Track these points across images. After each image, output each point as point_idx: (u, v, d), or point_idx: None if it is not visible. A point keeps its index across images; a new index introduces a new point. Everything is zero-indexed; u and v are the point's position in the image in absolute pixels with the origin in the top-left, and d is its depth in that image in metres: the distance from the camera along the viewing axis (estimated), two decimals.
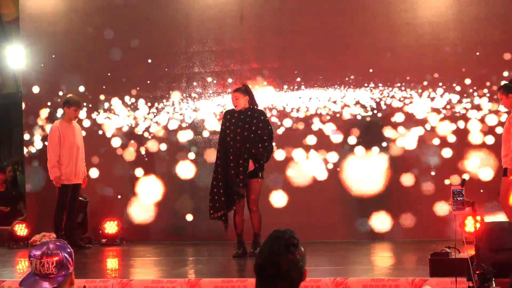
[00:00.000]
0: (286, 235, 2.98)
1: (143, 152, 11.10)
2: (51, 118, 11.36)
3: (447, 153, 10.01)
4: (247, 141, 8.56)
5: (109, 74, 11.26)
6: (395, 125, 10.20)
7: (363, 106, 10.30)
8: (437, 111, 10.07)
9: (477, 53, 9.94)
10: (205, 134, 10.88)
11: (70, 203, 10.04)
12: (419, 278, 6.52)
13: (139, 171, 11.10)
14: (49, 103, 11.47)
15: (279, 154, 10.48)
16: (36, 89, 11.52)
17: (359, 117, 10.32)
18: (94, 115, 11.30)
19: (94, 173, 11.16)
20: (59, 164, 9.92)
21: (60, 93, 11.33)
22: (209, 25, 10.87)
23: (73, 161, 9.98)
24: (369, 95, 10.28)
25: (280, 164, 10.47)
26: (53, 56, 11.43)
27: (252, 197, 8.63)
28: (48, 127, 11.29)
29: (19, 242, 10.99)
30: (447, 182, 9.86)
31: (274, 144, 8.98)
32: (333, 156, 10.36)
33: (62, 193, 9.95)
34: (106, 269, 8.92)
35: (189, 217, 10.84)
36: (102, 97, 11.27)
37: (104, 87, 11.27)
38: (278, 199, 10.50)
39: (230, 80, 10.79)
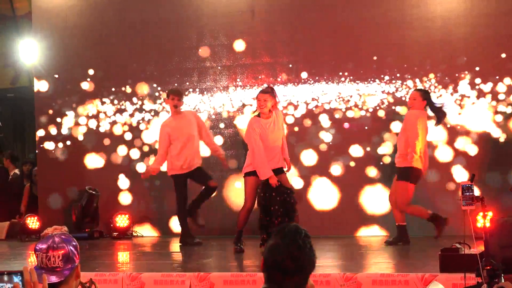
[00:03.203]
0: (301, 230, 2.93)
1: (153, 145, 11.08)
2: (63, 113, 11.41)
3: (461, 148, 9.96)
4: None
5: (120, 68, 11.27)
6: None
7: (374, 100, 10.26)
8: (449, 104, 9.97)
9: (488, 48, 9.87)
10: (221, 126, 10.88)
11: (206, 186, 9.57)
12: (429, 273, 6.51)
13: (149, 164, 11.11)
14: (61, 97, 11.48)
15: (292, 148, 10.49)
16: (48, 83, 11.55)
17: (370, 111, 10.29)
18: (105, 109, 11.31)
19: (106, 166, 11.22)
20: (171, 156, 9.54)
21: (72, 87, 11.38)
22: (220, 19, 10.86)
23: (184, 150, 9.52)
24: (380, 90, 10.24)
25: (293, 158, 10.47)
26: (66, 50, 11.44)
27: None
28: (61, 121, 11.36)
29: (31, 235, 11.04)
30: (459, 178, 9.80)
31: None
32: (351, 150, 10.34)
33: (177, 184, 9.65)
34: (116, 262, 8.95)
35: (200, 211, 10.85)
36: (114, 91, 11.29)
37: (115, 81, 11.28)
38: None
39: (241, 74, 10.80)
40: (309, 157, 10.52)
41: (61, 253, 3.23)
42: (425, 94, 8.88)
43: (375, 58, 10.28)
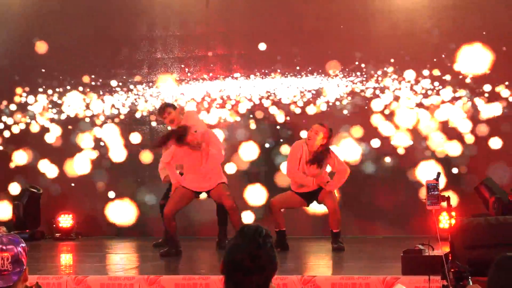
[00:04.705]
0: (261, 229, 2.93)
1: (100, 140, 10.83)
2: (3, 105, 11.11)
3: (429, 145, 9.87)
4: None
5: (67, 59, 10.97)
6: (372, 114, 10.03)
7: (337, 95, 10.14)
8: (413, 98, 9.93)
9: (453, 41, 9.84)
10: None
11: None
12: (391, 276, 6.40)
13: (96, 161, 10.83)
14: (3, 89, 11.15)
15: (247, 145, 10.33)
16: None
17: (333, 106, 10.15)
18: (50, 102, 11.02)
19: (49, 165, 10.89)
20: None
21: (14, 79, 11.05)
22: (173, 8, 10.67)
23: None
24: (343, 83, 10.14)
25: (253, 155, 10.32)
26: (9, 39, 11.12)
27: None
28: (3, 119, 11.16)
29: None
30: (423, 176, 9.70)
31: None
32: None
33: None
34: (60, 265, 8.74)
35: (149, 212, 10.54)
36: (61, 84, 10.99)
37: (61, 73, 10.99)
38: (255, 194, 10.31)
39: (194, 67, 10.61)
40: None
41: (10, 254, 3.09)
42: (331, 132, 8.52)
43: (338, 51, 10.14)
